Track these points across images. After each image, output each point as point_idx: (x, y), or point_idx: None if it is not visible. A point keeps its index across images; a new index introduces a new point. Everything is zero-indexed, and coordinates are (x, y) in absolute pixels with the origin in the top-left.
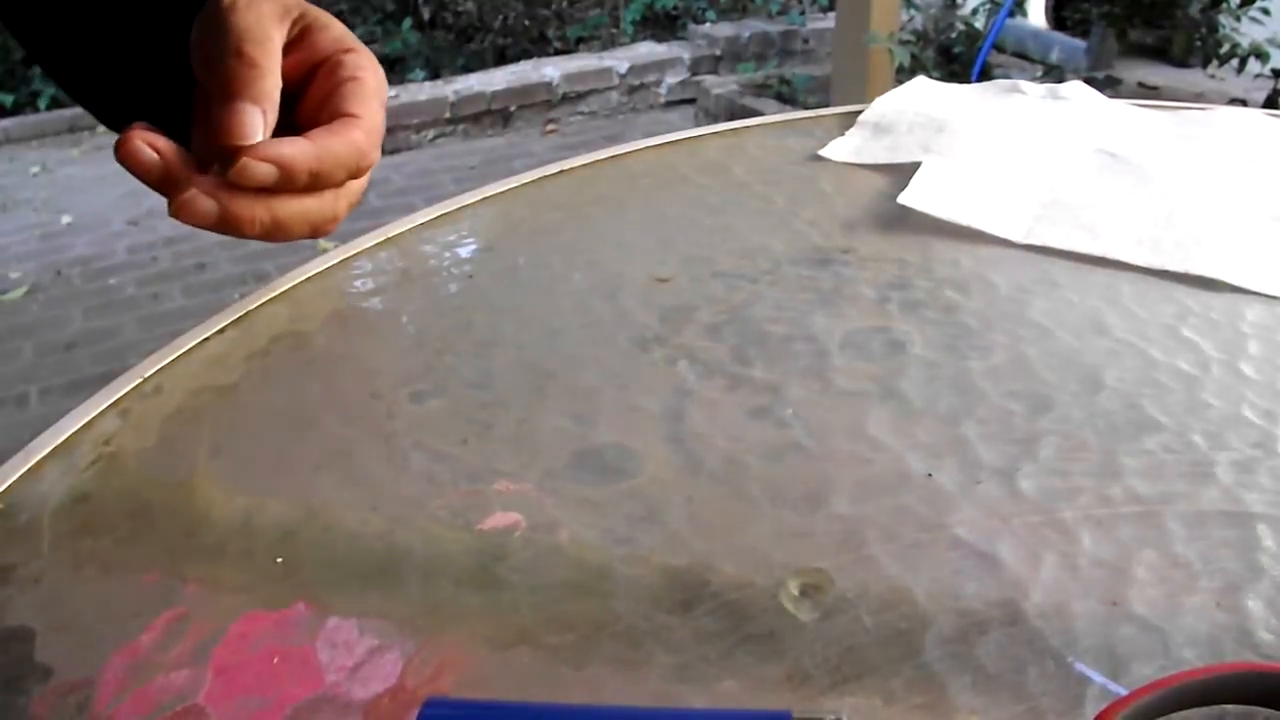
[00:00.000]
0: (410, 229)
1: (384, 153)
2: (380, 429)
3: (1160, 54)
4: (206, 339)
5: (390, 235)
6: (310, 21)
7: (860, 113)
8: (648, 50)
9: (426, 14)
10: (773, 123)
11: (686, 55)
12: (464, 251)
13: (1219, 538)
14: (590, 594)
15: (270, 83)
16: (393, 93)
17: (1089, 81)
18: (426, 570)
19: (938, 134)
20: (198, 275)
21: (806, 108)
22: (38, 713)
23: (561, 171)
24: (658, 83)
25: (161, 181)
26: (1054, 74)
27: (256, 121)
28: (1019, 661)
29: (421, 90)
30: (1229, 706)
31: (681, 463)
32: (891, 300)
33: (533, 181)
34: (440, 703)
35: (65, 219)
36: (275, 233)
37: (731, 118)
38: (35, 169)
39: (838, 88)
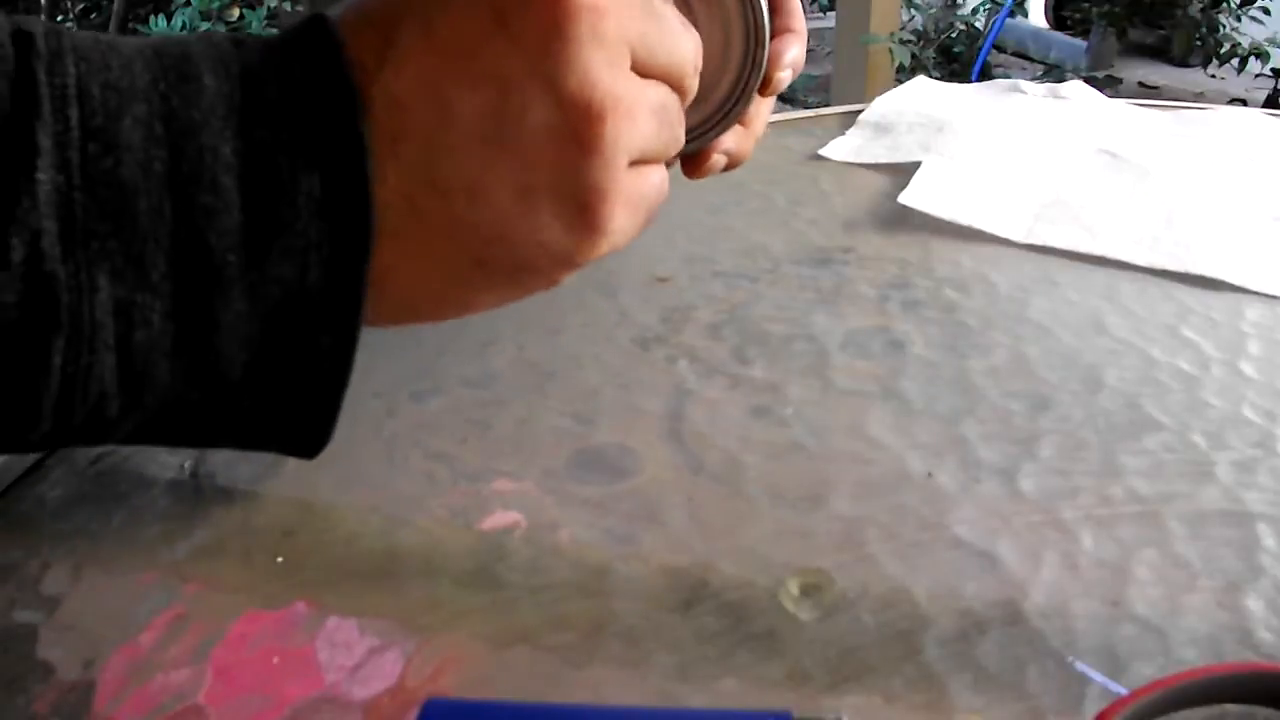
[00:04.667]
0: None
1: None
2: (380, 429)
3: (1160, 54)
4: None
5: None
6: None
7: (860, 112)
8: None
9: None
10: (773, 122)
11: None
12: None
13: (1219, 537)
14: (590, 594)
15: None
16: None
17: (1089, 81)
18: (426, 570)
19: (938, 134)
20: None
21: (806, 107)
22: (38, 712)
23: None
24: None
25: None
26: (1054, 74)
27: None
28: (1019, 661)
29: None
30: (1229, 706)
31: (681, 462)
32: (891, 300)
33: None
34: (440, 703)
35: None
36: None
37: None
38: None
39: (838, 87)
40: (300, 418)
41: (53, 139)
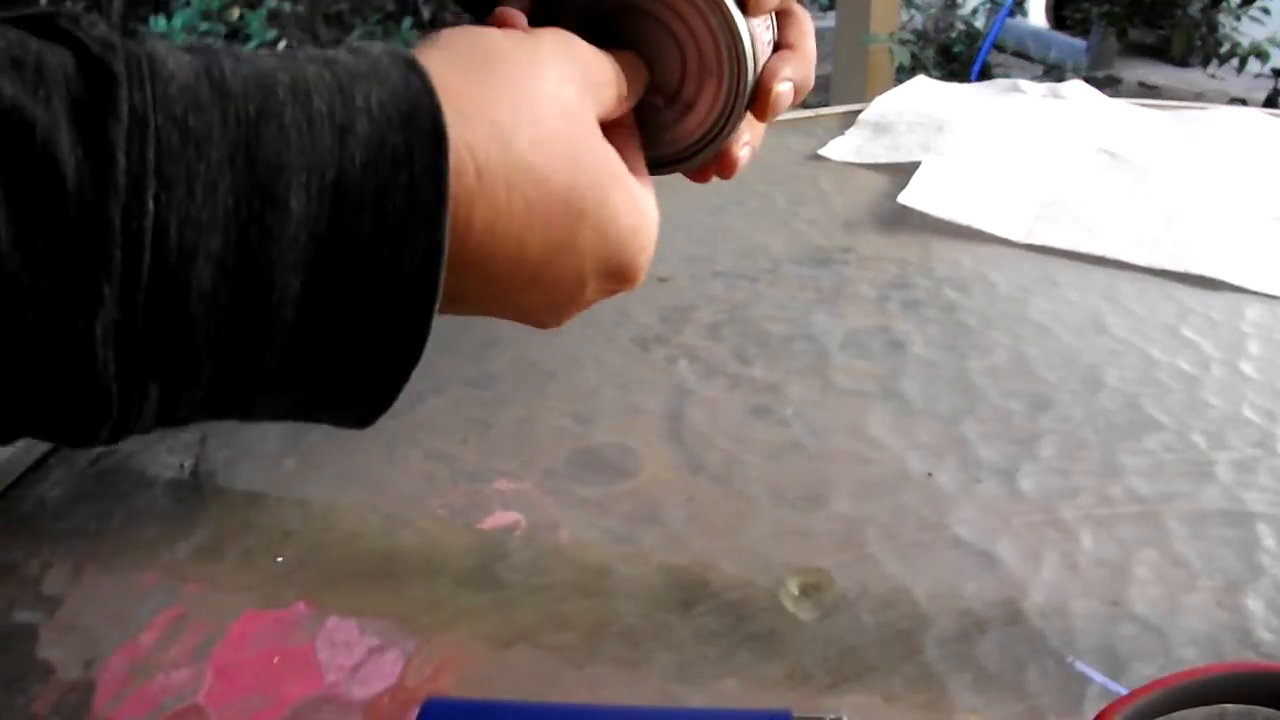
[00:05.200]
0: None
1: None
2: (380, 428)
3: (1160, 53)
4: None
5: None
6: None
7: (860, 112)
8: None
9: (427, 14)
10: (773, 122)
11: None
12: None
13: (1219, 537)
14: (590, 594)
15: None
16: None
17: (1089, 81)
18: (426, 570)
19: (938, 133)
20: None
21: (806, 107)
22: (38, 712)
23: None
24: None
25: None
26: (1054, 73)
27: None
28: (1019, 661)
29: None
30: (1229, 706)
31: (681, 462)
32: (891, 300)
33: None
34: (440, 703)
35: None
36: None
37: None
38: None
39: (838, 87)
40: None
41: (119, 284)
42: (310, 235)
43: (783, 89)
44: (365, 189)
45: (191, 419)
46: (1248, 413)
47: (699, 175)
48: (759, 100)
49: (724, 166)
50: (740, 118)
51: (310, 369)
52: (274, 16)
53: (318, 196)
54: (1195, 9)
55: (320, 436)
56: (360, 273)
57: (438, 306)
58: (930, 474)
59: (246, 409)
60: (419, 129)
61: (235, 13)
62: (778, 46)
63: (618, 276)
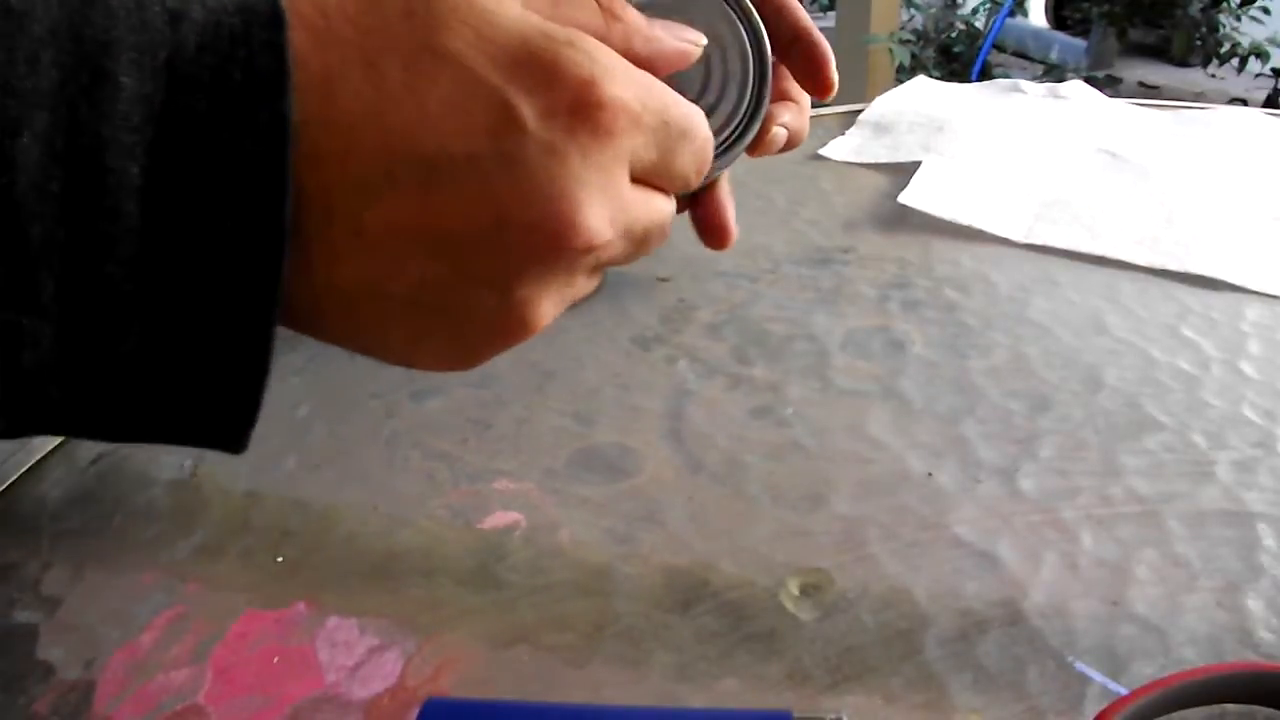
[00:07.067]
0: None
1: None
2: (380, 429)
3: (1160, 53)
4: None
5: None
6: None
7: (860, 112)
8: None
9: None
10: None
11: None
12: None
13: (1219, 537)
14: (590, 594)
15: None
16: None
17: (1089, 81)
18: (426, 570)
19: (938, 133)
20: None
21: None
22: (38, 712)
23: None
24: None
25: None
26: (1054, 73)
27: None
28: (1019, 661)
29: None
30: (1229, 706)
31: (681, 462)
32: (891, 300)
33: None
34: (440, 703)
35: None
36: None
37: None
38: None
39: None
40: (211, 439)
41: None
42: (145, 116)
43: (779, 133)
44: (201, 67)
45: (45, 378)
46: (1248, 413)
47: None
48: (759, 140)
49: (713, 230)
50: (736, 154)
51: (163, 287)
52: None
53: (151, 74)
54: (1195, 9)
55: (320, 436)
56: (202, 157)
57: (289, 192)
58: (930, 474)
59: (106, 358)
60: (255, 10)
61: None
62: (780, 97)
63: (566, 106)
